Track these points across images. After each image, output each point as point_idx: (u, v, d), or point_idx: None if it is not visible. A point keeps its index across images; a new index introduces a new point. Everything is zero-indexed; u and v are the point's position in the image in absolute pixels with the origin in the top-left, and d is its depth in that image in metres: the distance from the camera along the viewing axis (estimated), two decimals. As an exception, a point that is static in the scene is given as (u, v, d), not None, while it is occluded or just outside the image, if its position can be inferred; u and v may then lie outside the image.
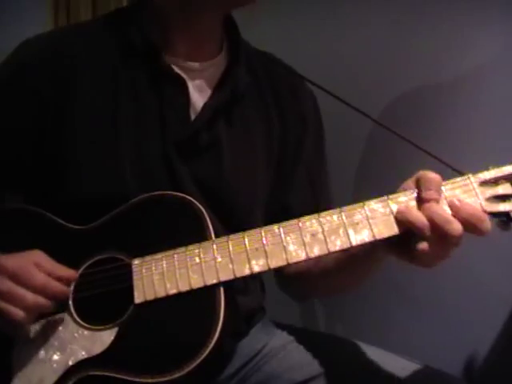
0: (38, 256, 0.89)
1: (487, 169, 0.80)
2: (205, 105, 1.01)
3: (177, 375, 0.80)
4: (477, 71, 1.36)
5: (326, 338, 1.12)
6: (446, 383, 0.97)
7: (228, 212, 1.01)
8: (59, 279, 0.88)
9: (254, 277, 1.11)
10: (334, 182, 1.17)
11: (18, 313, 0.83)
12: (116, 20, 1.05)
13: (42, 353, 0.88)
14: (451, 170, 0.89)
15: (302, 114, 1.11)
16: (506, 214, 0.78)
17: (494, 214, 0.79)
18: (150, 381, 0.81)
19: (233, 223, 0.91)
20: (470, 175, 0.80)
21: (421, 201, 0.79)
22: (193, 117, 1.01)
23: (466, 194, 0.78)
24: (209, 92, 1.03)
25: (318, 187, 1.13)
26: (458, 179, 0.80)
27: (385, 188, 0.83)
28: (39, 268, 0.87)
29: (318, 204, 1.08)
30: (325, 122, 1.15)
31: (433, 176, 0.79)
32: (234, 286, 1.01)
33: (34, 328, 0.89)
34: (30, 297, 0.84)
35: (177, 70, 1.00)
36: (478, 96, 1.37)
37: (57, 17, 1.68)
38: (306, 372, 1.01)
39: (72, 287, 0.90)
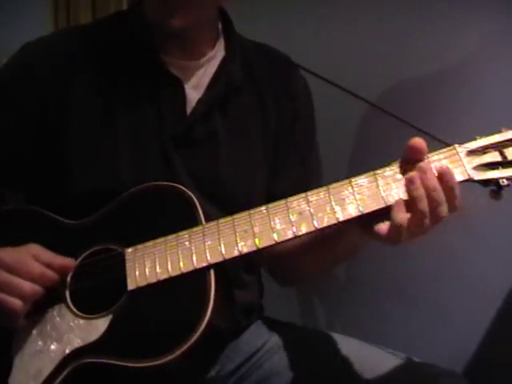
0: (35, 248, 0.90)
1: (474, 139, 0.79)
2: (199, 100, 1.02)
3: (168, 358, 0.80)
4: (474, 60, 1.35)
5: (326, 335, 1.11)
6: (440, 376, 0.96)
7: (227, 203, 1.00)
8: (57, 268, 0.89)
9: (253, 272, 1.11)
10: (330, 167, 1.16)
11: (16, 302, 0.84)
12: (114, 22, 1.07)
13: (40, 344, 0.89)
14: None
15: (292, 98, 1.11)
16: (495, 181, 0.76)
17: (483, 183, 0.77)
18: (142, 365, 0.81)
19: (232, 213, 0.90)
20: (456, 145, 0.78)
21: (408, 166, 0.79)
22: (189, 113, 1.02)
23: (452, 164, 0.77)
24: (204, 88, 1.03)
25: (309, 170, 1.12)
26: (444, 149, 0.78)
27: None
28: (37, 259, 0.88)
29: (308, 186, 1.08)
30: (322, 109, 1.15)
31: (416, 139, 0.79)
32: (232, 280, 1.03)
33: (33, 320, 0.90)
34: (27, 285, 0.85)
35: (172, 69, 1.01)
36: (475, 81, 1.35)
37: (57, 17, 1.69)
38: (305, 369, 1.02)
39: (69, 277, 0.91)
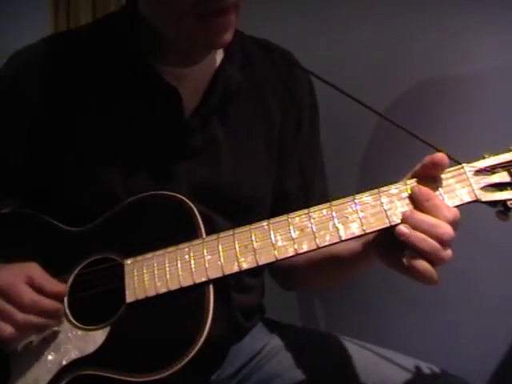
0: (32, 270, 0.88)
1: (483, 157, 0.77)
2: (196, 108, 0.98)
3: (166, 373, 0.79)
4: (479, 68, 1.33)
5: (326, 337, 1.10)
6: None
7: (232, 210, 0.98)
8: (50, 295, 0.87)
9: (258, 275, 1.10)
10: (337, 176, 1.16)
11: (7, 328, 0.84)
12: (106, 27, 1.02)
13: (38, 354, 0.88)
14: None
15: (297, 98, 1.08)
16: (502, 203, 0.75)
17: (490, 204, 0.76)
18: (139, 379, 0.80)
19: (239, 219, 0.88)
20: (464, 164, 0.76)
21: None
22: None
23: (459, 184, 0.76)
24: (201, 93, 0.99)
25: (311, 171, 1.11)
26: (452, 168, 0.76)
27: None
28: (31, 283, 0.86)
29: (309, 189, 1.09)
30: (327, 116, 1.13)
31: (439, 155, 0.76)
32: (235, 284, 1.01)
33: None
34: (20, 314, 0.84)
35: (168, 78, 0.96)
36: (481, 91, 1.33)
37: (57, 17, 1.67)
38: (306, 371, 1.01)
39: (68, 287, 0.90)
